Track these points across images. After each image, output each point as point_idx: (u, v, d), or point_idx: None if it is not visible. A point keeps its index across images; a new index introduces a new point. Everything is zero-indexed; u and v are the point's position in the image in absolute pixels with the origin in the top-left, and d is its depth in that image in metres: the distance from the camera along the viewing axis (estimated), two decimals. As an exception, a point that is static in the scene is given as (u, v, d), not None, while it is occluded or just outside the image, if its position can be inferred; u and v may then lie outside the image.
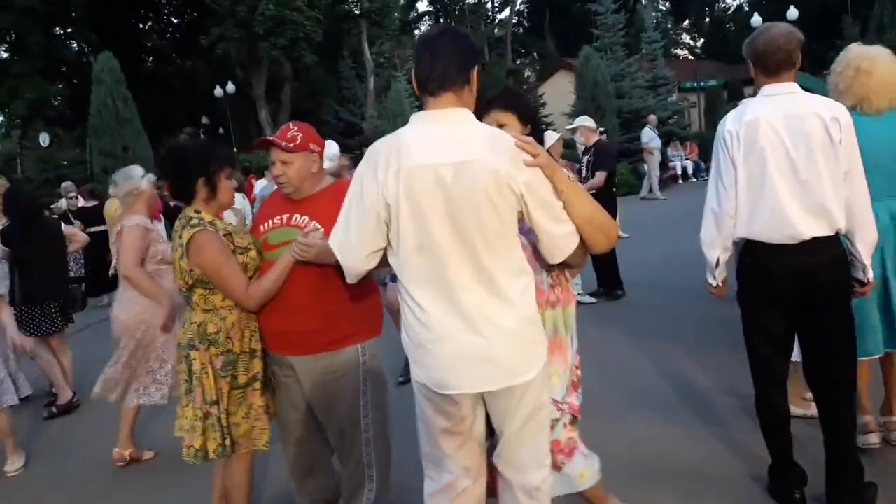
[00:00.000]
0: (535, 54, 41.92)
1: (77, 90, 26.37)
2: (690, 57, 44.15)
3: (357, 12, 28.76)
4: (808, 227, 2.63)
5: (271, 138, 2.66)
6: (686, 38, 46.96)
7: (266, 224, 2.73)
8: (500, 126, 2.25)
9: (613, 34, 22.51)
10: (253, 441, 2.78)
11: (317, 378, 2.68)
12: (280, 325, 2.67)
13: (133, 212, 3.98)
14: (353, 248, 2.08)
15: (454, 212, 1.94)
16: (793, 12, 23.05)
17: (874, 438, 3.17)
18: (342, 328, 2.65)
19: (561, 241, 2.05)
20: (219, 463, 2.85)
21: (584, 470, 2.40)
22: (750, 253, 2.77)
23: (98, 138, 16.26)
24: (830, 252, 2.66)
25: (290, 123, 2.74)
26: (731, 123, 2.78)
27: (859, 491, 2.71)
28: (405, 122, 8.52)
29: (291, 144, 2.60)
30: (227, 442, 2.67)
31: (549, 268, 2.26)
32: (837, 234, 2.69)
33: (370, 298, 2.78)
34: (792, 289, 2.67)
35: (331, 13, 27.56)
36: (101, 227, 8.92)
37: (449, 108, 2.02)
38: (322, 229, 2.51)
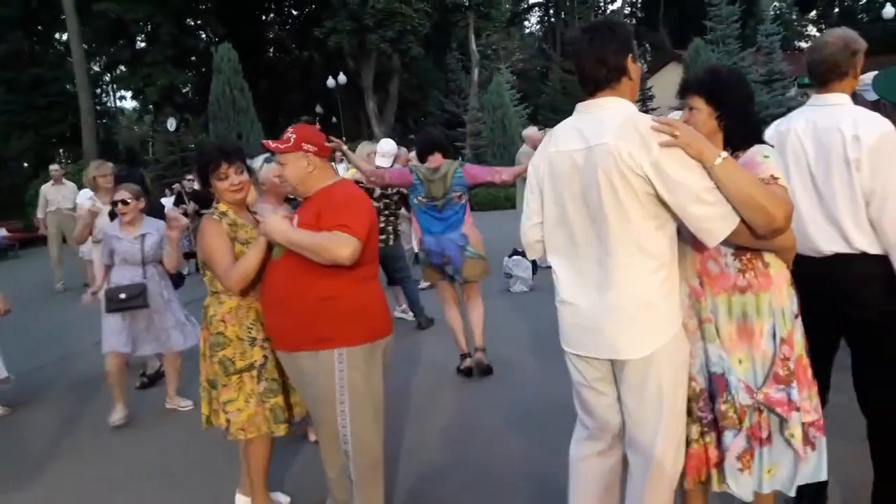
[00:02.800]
0: (647, 45, 40.74)
1: (203, 78, 28.13)
2: (816, 49, 41.41)
3: (465, 3, 29.04)
4: (827, 243, 2.54)
5: (264, 141, 2.72)
6: (812, 30, 44.21)
7: None
8: (691, 110, 2.28)
9: (727, 26, 21.71)
10: (257, 426, 2.84)
11: (295, 377, 2.73)
12: (267, 318, 2.76)
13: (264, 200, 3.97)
14: (524, 220, 2.42)
15: (584, 192, 2.13)
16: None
17: None
18: (319, 329, 2.56)
19: (704, 223, 2.01)
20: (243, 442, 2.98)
21: (773, 467, 2.22)
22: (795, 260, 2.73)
23: (216, 125, 17.45)
24: (859, 271, 2.52)
25: (291, 127, 2.77)
26: (768, 132, 2.74)
27: None
28: (505, 114, 9.34)
29: (283, 146, 2.64)
30: (216, 419, 2.89)
31: (738, 252, 2.18)
32: (869, 255, 2.51)
33: (364, 302, 2.64)
34: (821, 303, 2.53)
35: (440, 4, 28.01)
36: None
37: (601, 98, 2.18)
38: (289, 213, 2.59)
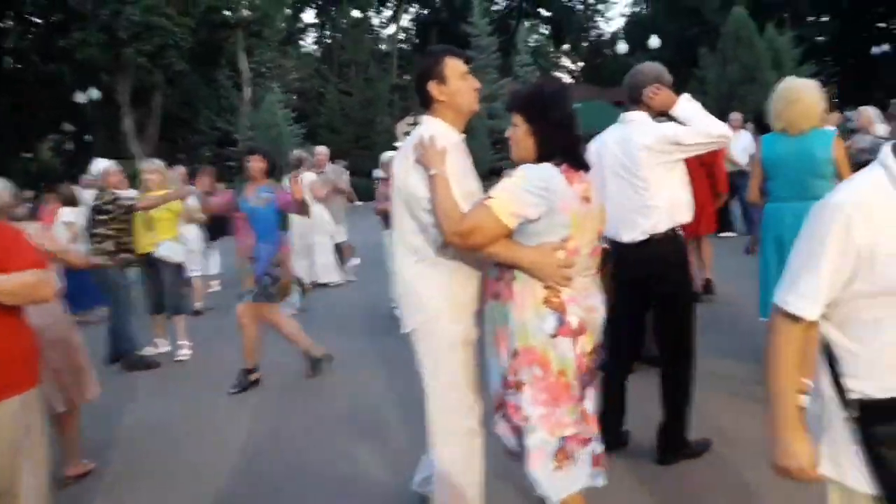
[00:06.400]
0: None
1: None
2: (570, 79, 45.92)
3: (231, 22, 28.12)
4: None
5: None
6: (566, 62, 48.88)
7: None
8: (514, 126, 2.39)
9: (487, 56, 23.12)
10: None
11: None
12: None
13: None
14: None
15: None
16: (655, 41, 24.55)
17: None
18: (10, 374, 2.44)
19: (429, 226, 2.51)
20: None
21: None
22: None
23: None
24: None
25: None
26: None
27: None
28: (279, 132, 9.76)
29: None
30: None
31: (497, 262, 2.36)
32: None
33: (31, 345, 2.61)
34: None
35: (205, 21, 26.82)
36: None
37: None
38: None
